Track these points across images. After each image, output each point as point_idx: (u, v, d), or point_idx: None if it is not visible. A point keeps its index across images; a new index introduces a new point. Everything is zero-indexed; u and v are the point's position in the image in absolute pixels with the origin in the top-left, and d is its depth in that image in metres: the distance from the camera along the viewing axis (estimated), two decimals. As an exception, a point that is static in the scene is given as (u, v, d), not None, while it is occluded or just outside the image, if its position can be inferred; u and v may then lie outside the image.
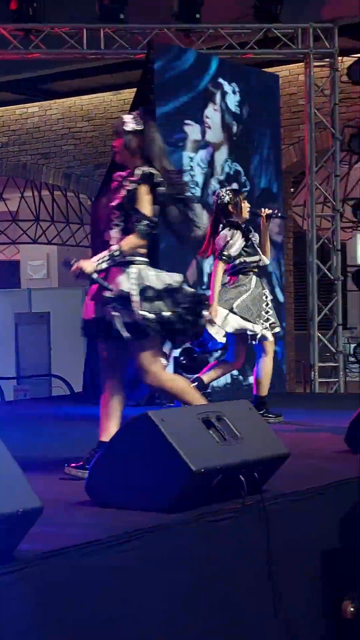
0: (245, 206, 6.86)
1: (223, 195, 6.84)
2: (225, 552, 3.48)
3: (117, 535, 3.15)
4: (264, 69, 11.38)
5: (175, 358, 7.96)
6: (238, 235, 6.75)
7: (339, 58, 11.21)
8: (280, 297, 10.31)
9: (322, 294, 11.17)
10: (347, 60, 11.39)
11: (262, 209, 7.01)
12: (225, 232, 6.74)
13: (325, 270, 11.07)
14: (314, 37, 10.90)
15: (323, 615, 3.89)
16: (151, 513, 3.48)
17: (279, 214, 7.12)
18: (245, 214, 6.85)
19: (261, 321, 6.73)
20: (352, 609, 3.80)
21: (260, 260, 6.89)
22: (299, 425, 6.76)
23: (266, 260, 6.98)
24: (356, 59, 11.30)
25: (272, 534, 3.59)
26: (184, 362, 8.05)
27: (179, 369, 7.92)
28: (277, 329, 6.92)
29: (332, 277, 11.08)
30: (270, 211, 7.00)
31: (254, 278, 6.87)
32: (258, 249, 6.88)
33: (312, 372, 10.99)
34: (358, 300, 16.81)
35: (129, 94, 12.72)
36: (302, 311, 12.43)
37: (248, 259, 6.82)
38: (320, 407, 7.92)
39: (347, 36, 11.44)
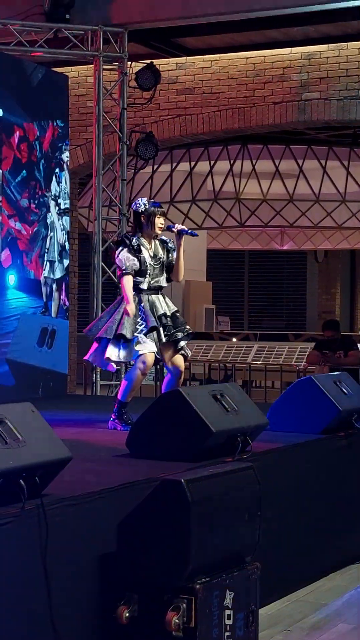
0: (158, 221, 6.56)
1: (139, 205, 6.59)
2: (3, 557, 3.41)
3: None
4: (53, 69, 11.31)
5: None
6: (125, 251, 6.51)
7: (128, 63, 11.30)
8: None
9: (106, 297, 11.21)
10: (136, 66, 11.49)
11: (175, 225, 6.65)
12: (118, 250, 6.56)
13: (110, 273, 11.12)
14: (103, 40, 10.93)
15: (99, 621, 3.88)
16: None
17: (190, 232, 6.69)
18: (156, 230, 6.57)
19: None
20: (127, 614, 3.80)
21: (148, 281, 6.55)
22: (81, 428, 6.74)
23: (164, 282, 6.63)
24: (144, 64, 11.43)
25: (51, 539, 3.55)
26: None
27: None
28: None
29: (117, 280, 11.12)
30: (183, 227, 6.63)
31: (144, 297, 6.55)
32: (150, 269, 6.54)
33: (94, 374, 11.01)
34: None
35: None
36: (86, 313, 12.43)
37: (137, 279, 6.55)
38: (102, 410, 7.92)
39: (137, 42, 11.55)
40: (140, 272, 6.55)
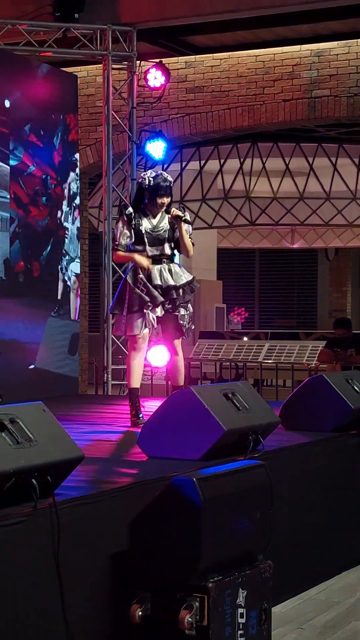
0: (160, 201, 6.54)
1: (143, 179, 6.58)
2: (15, 556, 3.42)
3: None
4: (62, 68, 11.32)
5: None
6: (119, 222, 6.57)
7: (137, 62, 11.30)
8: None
9: (117, 296, 11.21)
10: (145, 65, 11.50)
11: (173, 209, 6.62)
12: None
13: (121, 273, 11.10)
14: (112, 39, 10.93)
15: (112, 620, 3.87)
16: None
17: (185, 219, 6.62)
18: (158, 207, 6.57)
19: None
20: (140, 613, 3.80)
21: (148, 249, 6.58)
22: (92, 427, 6.75)
23: (167, 251, 6.62)
24: (154, 63, 11.42)
25: (63, 538, 3.55)
26: None
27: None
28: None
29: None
30: (179, 213, 6.59)
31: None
32: (148, 237, 6.56)
33: (105, 374, 11.01)
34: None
35: None
36: (96, 313, 12.43)
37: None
38: (114, 409, 7.92)
39: (146, 41, 11.55)
40: (137, 241, 6.58)
